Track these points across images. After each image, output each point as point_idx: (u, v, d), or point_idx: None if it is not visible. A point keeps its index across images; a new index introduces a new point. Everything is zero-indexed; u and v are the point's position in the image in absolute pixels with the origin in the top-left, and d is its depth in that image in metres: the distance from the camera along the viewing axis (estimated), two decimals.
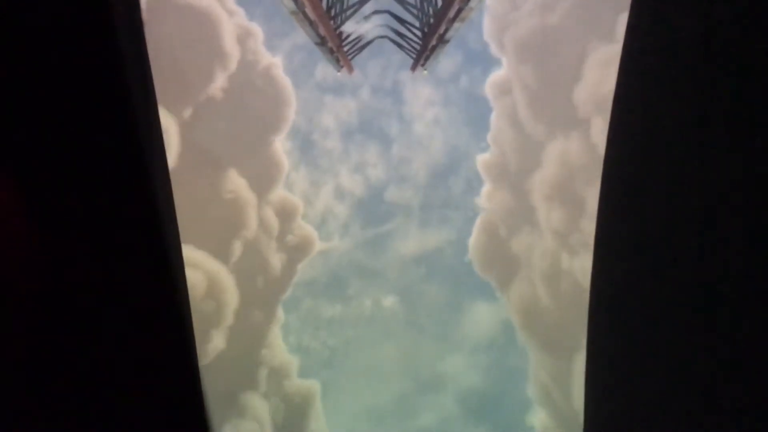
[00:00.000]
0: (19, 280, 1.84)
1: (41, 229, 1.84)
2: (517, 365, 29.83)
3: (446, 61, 32.96)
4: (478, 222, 29.42)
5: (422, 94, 35.19)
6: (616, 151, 2.17)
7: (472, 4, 13.96)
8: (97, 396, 1.97)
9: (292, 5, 14.00)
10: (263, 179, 27.21)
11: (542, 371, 26.98)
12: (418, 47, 21.06)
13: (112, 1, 1.76)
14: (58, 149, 1.80)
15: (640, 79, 2.03)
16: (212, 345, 24.38)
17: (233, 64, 25.60)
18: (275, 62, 27.48)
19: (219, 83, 25.31)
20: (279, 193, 28.14)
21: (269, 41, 27.84)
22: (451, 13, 14.95)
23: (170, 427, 2.09)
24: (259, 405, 26.40)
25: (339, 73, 22.69)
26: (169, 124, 23.40)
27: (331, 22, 17.97)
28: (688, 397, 1.82)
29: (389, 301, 34.23)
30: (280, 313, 28.21)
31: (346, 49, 21.19)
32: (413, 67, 22.87)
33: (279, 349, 28.06)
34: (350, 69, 22.71)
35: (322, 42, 17.73)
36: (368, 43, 22.68)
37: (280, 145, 28.05)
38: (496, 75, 27.95)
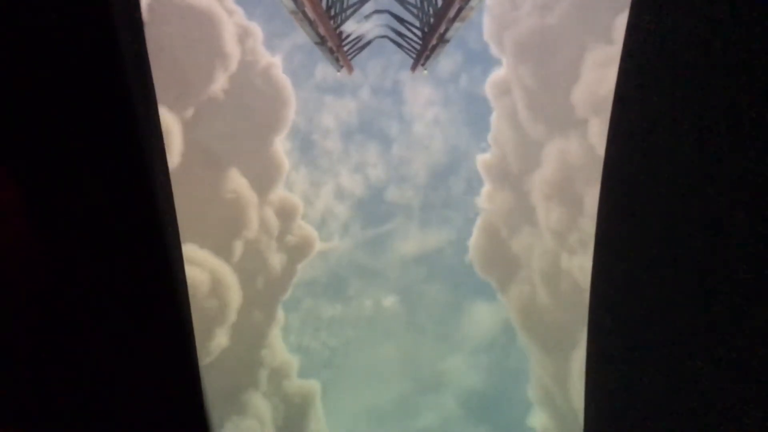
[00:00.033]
0: (19, 280, 1.84)
1: (41, 229, 1.84)
2: (517, 365, 29.86)
3: (446, 61, 33.02)
4: (479, 222, 29.44)
5: (422, 94, 35.23)
6: (616, 150, 2.17)
7: (472, 3, 13.94)
8: (97, 396, 1.97)
9: (291, 5, 13.99)
10: (263, 179, 27.22)
11: (542, 371, 26.99)
12: (418, 47, 21.06)
13: (112, 1, 1.76)
14: (58, 149, 1.80)
15: (640, 79, 2.03)
16: (216, 342, 24.40)
17: (233, 64, 25.62)
18: (274, 62, 27.50)
19: (219, 83, 25.32)
20: (279, 193, 28.16)
21: (269, 41, 27.87)
22: (452, 13, 14.94)
23: (170, 427, 2.09)
24: (260, 403, 26.42)
25: (339, 73, 22.68)
26: (172, 124, 23.42)
27: (331, 21, 17.97)
28: (688, 396, 1.83)
29: (389, 301, 34.25)
30: (280, 313, 28.23)
31: (346, 48, 21.19)
32: (413, 67, 22.86)
33: (279, 349, 28.07)
34: (350, 69, 22.70)
35: (321, 42, 17.72)
36: (368, 42, 22.68)
37: (281, 145, 28.07)
38: (496, 75, 27.97)
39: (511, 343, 29.72)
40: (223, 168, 25.83)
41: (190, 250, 23.36)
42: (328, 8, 17.62)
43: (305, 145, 33.43)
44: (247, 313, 25.99)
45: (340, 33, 20.09)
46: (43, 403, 1.91)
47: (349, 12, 19.94)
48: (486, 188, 29.21)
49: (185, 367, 2.09)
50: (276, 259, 27.78)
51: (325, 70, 32.67)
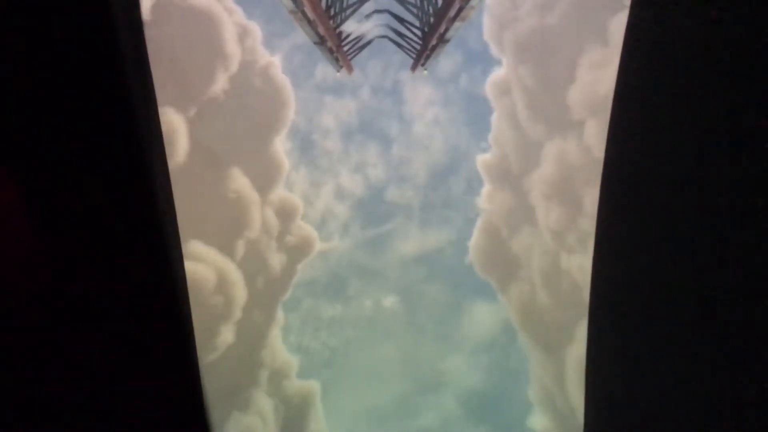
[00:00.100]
0: (19, 280, 1.84)
1: (41, 229, 1.84)
2: (517, 365, 29.86)
3: (446, 60, 33.01)
4: (479, 223, 29.43)
5: (422, 94, 35.22)
6: (616, 150, 2.17)
7: (472, 3, 13.94)
8: (97, 396, 1.97)
9: (290, 4, 13.98)
10: (264, 179, 27.22)
11: (542, 371, 26.99)
12: (418, 47, 21.05)
13: (112, 1, 1.76)
14: (58, 149, 1.80)
15: (640, 79, 2.03)
16: (221, 339, 24.42)
17: (234, 64, 25.61)
18: (273, 61, 27.49)
19: (220, 83, 25.32)
20: (279, 193, 28.16)
21: (269, 41, 27.86)
22: (452, 13, 14.94)
23: (170, 427, 2.09)
24: (262, 400, 26.44)
25: (339, 73, 22.67)
26: (178, 123, 23.44)
27: (331, 21, 17.96)
28: (688, 396, 1.83)
29: (389, 301, 34.25)
30: (280, 313, 28.23)
31: (345, 48, 21.18)
32: (413, 67, 22.86)
33: (279, 349, 28.06)
34: (350, 69, 22.70)
35: (321, 41, 17.71)
36: (368, 42, 22.67)
37: (281, 145, 28.07)
38: (496, 75, 27.97)
39: (511, 343, 29.74)
40: (224, 168, 25.85)
41: (195, 247, 23.43)
42: (328, 8, 17.60)
43: (305, 145, 33.44)
44: (248, 313, 26.00)
45: (340, 33, 20.08)
46: (43, 403, 1.91)
47: (348, 12, 19.93)
48: (486, 188, 29.22)
49: (185, 366, 2.09)
50: (276, 259, 27.78)
51: (325, 70, 32.68)
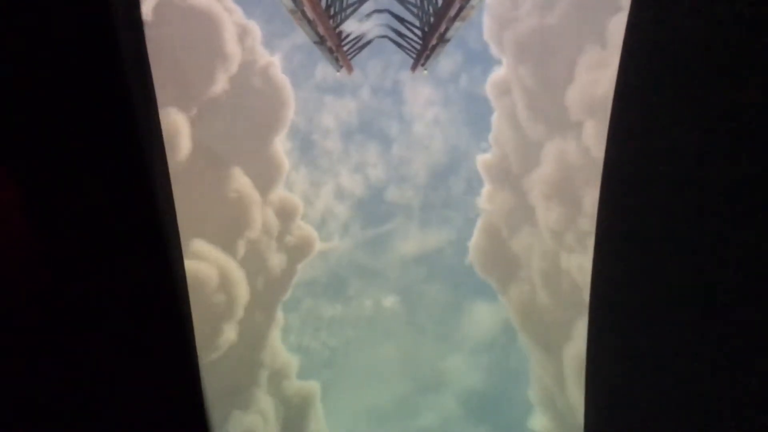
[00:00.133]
0: (19, 280, 1.84)
1: (41, 229, 1.84)
2: (517, 365, 29.87)
3: (446, 60, 33.00)
4: (479, 223, 29.44)
5: (422, 94, 35.22)
6: (616, 150, 2.17)
7: (473, 2, 13.93)
8: (97, 396, 1.97)
9: (290, 3, 13.97)
10: (264, 179, 27.22)
11: (542, 371, 26.99)
12: (418, 47, 21.05)
13: (112, 0, 1.76)
14: (58, 149, 1.80)
15: (640, 78, 2.03)
16: (224, 337, 24.44)
17: (234, 64, 25.62)
18: (273, 61, 27.49)
19: (220, 83, 25.33)
20: (279, 193, 28.16)
21: (269, 41, 27.87)
22: (452, 12, 14.94)
23: (170, 427, 2.09)
24: (263, 399, 26.46)
25: (338, 73, 22.67)
26: (181, 123, 23.47)
27: (330, 21, 17.96)
28: (688, 396, 1.83)
29: (389, 301, 34.26)
30: (280, 313, 28.23)
31: (345, 48, 21.18)
32: (413, 67, 22.86)
33: (279, 349, 28.07)
34: (350, 69, 22.70)
35: (321, 41, 17.71)
36: (368, 42, 22.67)
37: (281, 145, 28.07)
38: (497, 75, 27.96)
39: (511, 343, 29.75)
40: (225, 168, 25.86)
41: (198, 246, 23.47)
42: (328, 7, 17.60)
43: (305, 145, 33.45)
44: (250, 313, 26.01)
45: (340, 32, 20.08)
46: (43, 403, 1.91)
47: (348, 11, 19.93)
48: (486, 188, 29.22)
49: (185, 366, 2.09)
50: (276, 259, 27.78)
51: (325, 70, 32.69)
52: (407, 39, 21.79)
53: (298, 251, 28.62)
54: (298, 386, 28.19)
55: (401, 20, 21.41)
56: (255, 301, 26.25)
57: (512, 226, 27.96)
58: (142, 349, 2.01)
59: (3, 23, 1.68)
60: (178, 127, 23.40)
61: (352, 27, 21.13)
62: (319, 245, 29.67)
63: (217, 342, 23.94)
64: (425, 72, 21.90)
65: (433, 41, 18.05)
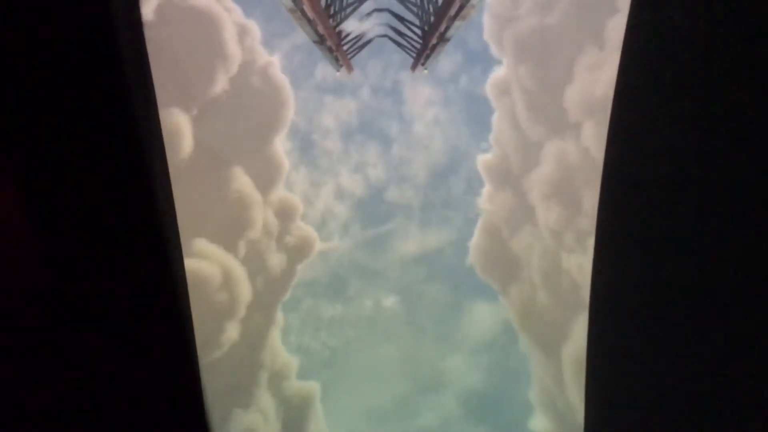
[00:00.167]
0: (19, 280, 1.84)
1: (41, 229, 1.84)
2: (517, 365, 29.87)
3: (446, 60, 33.00)
4: (479, 224, 29.43)
5: (422, 94, 35.21)
6: (616, 151, 2.17)
7: (473, 1, 13.91)
8: (97, 395, 1.97)
9: (289, 3, 13.94)
10: (264, 179, 27.22)
11: (542, 371, 26.99)
12: (418, 46, 21.03)
13: (112, 1, 1.76)
14: (58, 149, 1.80)
15: (640, 79, 2.03)
16: (226, 336, 24.45)
17: (234, 64, 25.63)
18: (273, 61, 27.48)
19: (220, 83, 25.34)
20: (279, 193, 28.15)
21: (269, 41, 27.87)
22: (453, 11, 14.92)
23: (170, 427, 2.09)
24: (264, 398, 26.48)
25: (338, 73, 22.65)
26: (184, 123, 23.49)
27: (330, 20, 17.94)
28: (688, 397, 1.83)
29: (390, 301, 34.27)
30: (280, 313, 28.23)
31: (345, 48, 21.16)
32: (413, 67, 22.84)
33: (279, 349, 28.07)
34: (350, 68, 22.68)
35: (320, 40, 17.69)
36: (368, 42, 22.65)
37: (280, 145, 28.07)
38: (497, 75, 27.95)
39: (512, 343, 29.75)
40: (226, 168, 25.86)
41: (200, 245, 23.51)
42: (327, 6, 17.58)
43: (305, 145, 33.45)
44: (251, 312, 26.02)
45: (340, 32, 20.06)
46: (43, 403, 1.91)
47: (348, 10, 19.91)
48: (486, 188, 29.21)
49: (185, 366, 2.09)
50: (276, 259, 27.78)
51: (325, 70, 32.69)
52: (407, 38, 21.77)
53: (298, 251, 28.62)
54: (298, 386, 28.19)
55: (401, 19, 21.39)
56: (255, 301, 26.26)
57: (512, 227, 27.97)
58: (142, 349, 2.01)
59: (3, 23, 1.68)
60: (180, 127, 23.41)
61: (351, 26, 21.12)
62: (319, 245, 29.68)
63: (219, 340, 23.95)
64: (425, 72, 21.89)
65: (434, 40, 18.04)
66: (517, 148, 27.43)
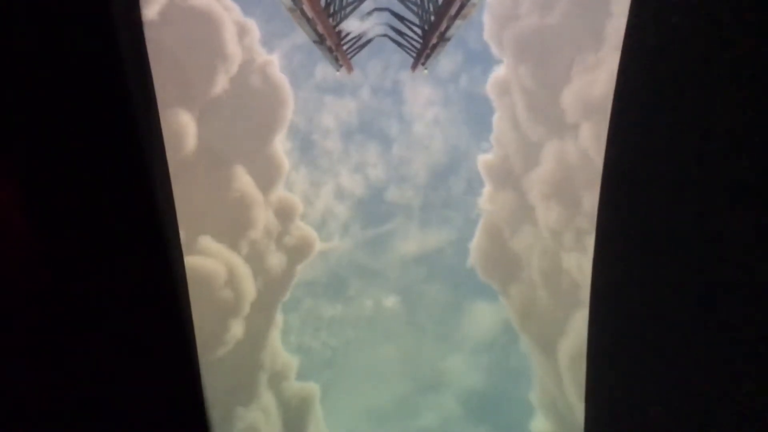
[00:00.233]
0: (18, 280, 1.84)
1: (41, 229, 1.84)
2: (517, 365, 29.87)
3: (446, 60, 32.99)
4: (480, 224, 29.41)
5: (422, 94, 35.21)
6: (616, 151, 2.17)
7: (473, 0, 13.91)
8: (97, 396, 1.97)
9: (289, 2, 13.93)
10: (264, 179, 27.21)
11: (542, 371, 26.99)
12: (418, 46, 21.02)
13: (112, 1, 1.76)
14: (58, 149, 1.81)
15: (640, 78, 2.03)
16: (231, 334, 24.47)
17: (234, 64, 25.62)
18: (273, 61, 27.47)
19: (221, 83, 25.34)
20: (279, 193, 28.15)
21: (269, 41, 27.87)
22: (453, 11, 14.91)
23: (170, 427, 2.09)
24: (265, 396, 26.50)
25: (338, 73, 22.63)
26: (184, 122, 23.51)
27: (330, 19, 17.93)
28: (689, 397, 1.83)
29: (390, 301, 34.27)
30: (280, 313, 28.22)
31: (345, 47, 21.15)
32: (413, 66, 22.83)
33: (279, 349, 28.06)
34: (349, 68, 22.67)
35: (320, 40, 17.68)
36: (368, 41, 22.63)
37: (280, 145, 28.06)
38: (497, 75, 27.93)
39: (512, 343, 29.75)
40: (227, 168, 25.87)
41: (207, 242, 23.56)
42: (327, 6, 17.57)
43: (305, 145, 33.45)
44: (253, 311, 26.03)
45: (339, 31, 20.05)
46: (43, 403, 1.91)
47: (348, 10, 19.89)
48: (487, 189, 29.19)
49: (185, 366, 2.09)
50: (276, 259, 27.77)
51: (324, 70, 32.69)
52: (407, 38, 21.76)
53: (298, 251, 28.61)
54: (298, 386, 28.19)
55: (401, 19, 21.37)
56: (256, 301, 26.26)
57: (513, 227, 27.96)
58: (142, 349, 2.01)
59: (3, 23, 1.68)
60: (180, 127, 23.41)
61: (351, 26, 21.10)
62: (319, 245, 29.67)
63: (224, 338, 23.96)
64: (425, 71, 21.88)
65: (434, 40, 18.03)
66: (518, 148, 27.42)
